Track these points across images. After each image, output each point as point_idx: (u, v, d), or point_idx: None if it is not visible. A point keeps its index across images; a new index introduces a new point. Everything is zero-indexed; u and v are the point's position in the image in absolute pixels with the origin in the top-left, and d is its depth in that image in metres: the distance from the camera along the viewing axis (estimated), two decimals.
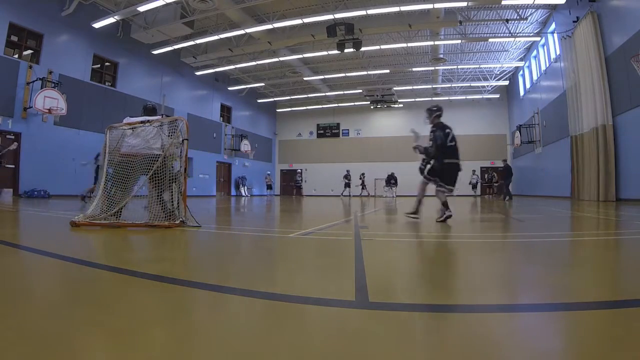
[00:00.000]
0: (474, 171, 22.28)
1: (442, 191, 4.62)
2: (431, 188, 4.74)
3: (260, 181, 25.11)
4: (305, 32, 14.97)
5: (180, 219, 3.77)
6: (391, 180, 20.58)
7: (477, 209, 8.37)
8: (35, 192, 11.51)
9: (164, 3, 12.40)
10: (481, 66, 19.89)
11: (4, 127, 11.34)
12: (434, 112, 4.75)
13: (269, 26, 14.25)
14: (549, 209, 7.64)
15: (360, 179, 21.15)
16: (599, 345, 0.94)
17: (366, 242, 2.89)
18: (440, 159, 4.59)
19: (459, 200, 14.45)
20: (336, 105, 26.88)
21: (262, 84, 22.80)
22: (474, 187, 21.72)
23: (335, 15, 13.23)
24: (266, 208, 9.04)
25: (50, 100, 11.81)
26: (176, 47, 16.19)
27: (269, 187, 23.36)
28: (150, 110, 4.59)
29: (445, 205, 4.55)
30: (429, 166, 4.74)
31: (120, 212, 3.88)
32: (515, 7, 13.57)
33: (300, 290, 1.54)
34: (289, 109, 27.90)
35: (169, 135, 4.08)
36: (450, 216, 4.49)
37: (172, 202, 3.93)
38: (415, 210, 4.75)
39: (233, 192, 23.20)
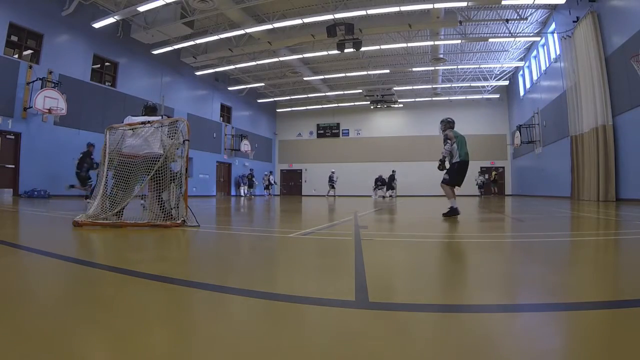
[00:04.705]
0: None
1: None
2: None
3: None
4: (305, 32, 14.97)
5: (182, 219, 3.77)
6: (379, 182, 20.30)
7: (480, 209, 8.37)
8: (35, 192, 11.49)
9: (164, 3, 12.40)
10: (481, 66, 19.88)
11: (4, 127, 11.34)
12: None
13: (269, 26, 14.25)
14: (549, 209, 7.64)
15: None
16: (599, 345, 0.94)
17: (366, 242, 2.89)
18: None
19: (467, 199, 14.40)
20: (336, 105, 26.86)
21: (262, 84, 22.79)
22: (480, 187, 21.45)
23: (335, 15, 13.22)
24: (266, 208, 9.04)
25: (50, 100, 11.81)
26: (176, 47, 16.19)
27: (267, 187, 23.41)
28: (151, 109, 4.58)
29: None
30: None
31: (122, 212, 3.88)
32: (515, 7, 13.57)
33: (300, 290, 1.54)
34: (289, 109, 27.89)
35: (168, 136, 4.07)
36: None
37: (170, 202, 3.93)
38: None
39: (233, 192, 23.17)
